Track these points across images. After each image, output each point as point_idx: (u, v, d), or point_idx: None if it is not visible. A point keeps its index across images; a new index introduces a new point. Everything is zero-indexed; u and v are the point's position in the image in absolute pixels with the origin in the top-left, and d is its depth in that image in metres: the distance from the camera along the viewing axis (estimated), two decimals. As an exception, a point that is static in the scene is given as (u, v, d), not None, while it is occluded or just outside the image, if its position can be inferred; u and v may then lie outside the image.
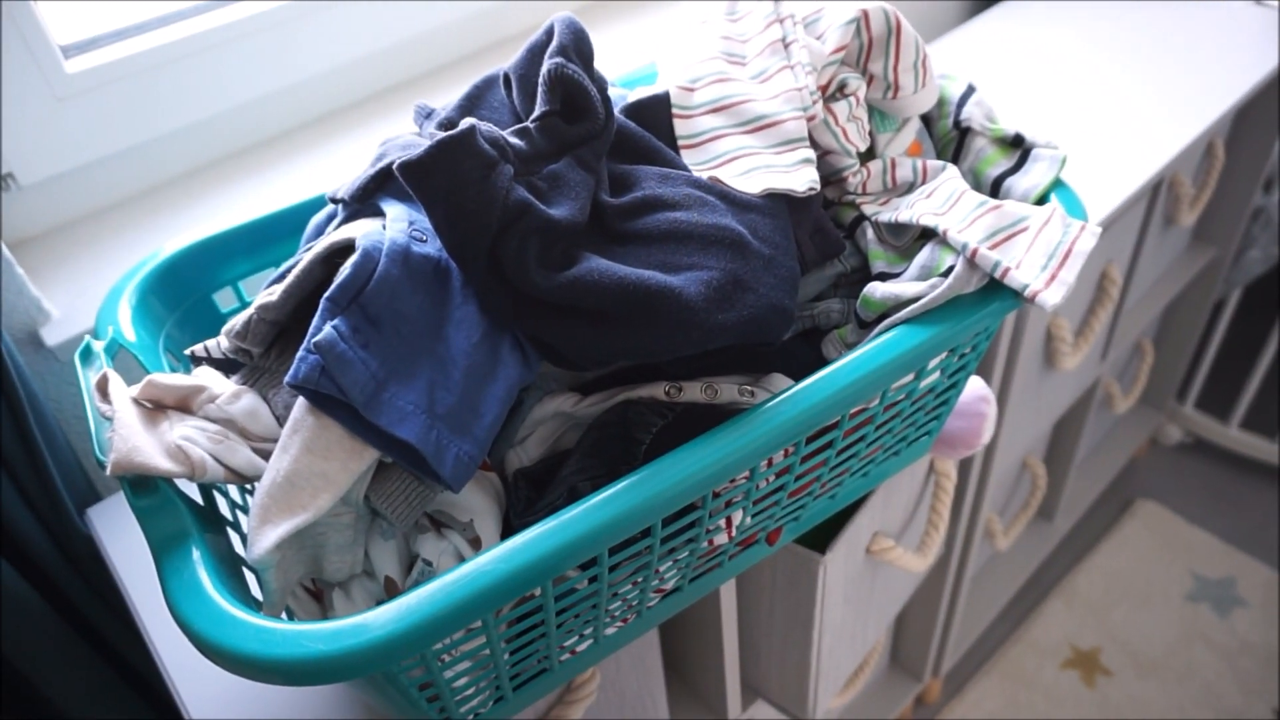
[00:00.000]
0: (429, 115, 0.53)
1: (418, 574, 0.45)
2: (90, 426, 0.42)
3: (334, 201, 0.52)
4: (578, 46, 0.47)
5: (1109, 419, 1.58)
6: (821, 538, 0.71)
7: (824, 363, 0.52)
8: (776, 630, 0.79)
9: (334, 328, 0.39)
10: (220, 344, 0.48)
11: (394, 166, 0.40)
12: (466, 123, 0.41)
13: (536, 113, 0.46)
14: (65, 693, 0.74)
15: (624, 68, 0.94)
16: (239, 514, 0.49)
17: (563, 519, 0.40)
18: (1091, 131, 1.02)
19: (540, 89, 0.46)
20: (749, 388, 0.48)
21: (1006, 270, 0.45)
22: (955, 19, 1.44)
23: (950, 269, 0.47)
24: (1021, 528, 1.35)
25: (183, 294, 0.59)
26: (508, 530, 0.48)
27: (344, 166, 0.86)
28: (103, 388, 0.42)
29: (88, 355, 0.47)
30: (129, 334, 0.51)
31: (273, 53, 0.87)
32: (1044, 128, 1.03)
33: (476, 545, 0.46)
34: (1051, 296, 0.44)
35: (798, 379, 0.50)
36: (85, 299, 0.75)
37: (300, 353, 0.39)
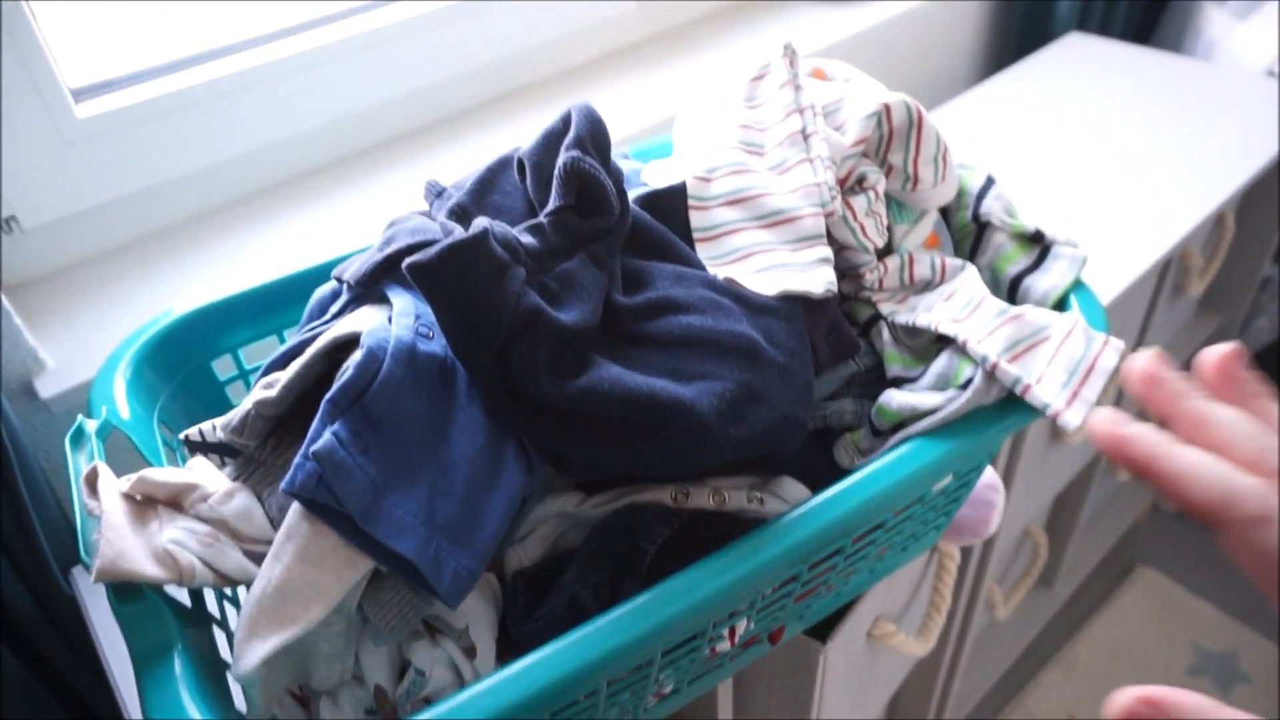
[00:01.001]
0: (439, 195, 0.52)
1: (409, 684, 0.44)
2: (77, 521, 0.40)
3: (339, 281, 0.51)
4: (595, 138, 0.46)
5: (1111, 484, 1.57)
6: (821, 624, 0.69)
7: (834, 466, 0.51)
8: (773, 714, 0.77)
9: (334, 434, 0.38)
10: (215, 429, 0.47)
11: (403, 265, 0.39)
12: (479, 224, 0.40)
13: (550, 206, 0.45)
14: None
15: (639, 122, 0.94)
16: (227, 606, 0.47)
17: (565, 645, 0.38)
18: (1102, 203, 1.01)
19: (555, 181, 0.44)
20: (758, 494, 0.46)
21: (1027, 387, 0.44)
22: (964, 82, 1.44)
23: (969, 381, 0.45)
24: (1021, 596, 1.33)
25: (181, 362, 0.57)
26: (504, 635, 0.46)
27: (350, 217, 0.85)
28: (92, 482, 0.40)
29: (79, 438, 0.45)
30: (123, 409, 0.50)
31: (281, 101, 0.86)
32: (1054, 198, 1.02)
33: (471, 654, 0.44)
34: (1073, 417, 0.43)
35: (807, 481, 0.49)
36: (83, 349, 0.73)
37: (297, 459, 0.38)
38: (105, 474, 0.41)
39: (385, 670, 0.44)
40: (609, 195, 0.45)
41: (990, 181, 0.57)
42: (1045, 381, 0.44)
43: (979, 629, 1.36)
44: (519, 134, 0.96)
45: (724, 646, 0.50)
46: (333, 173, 0.92)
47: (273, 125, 0.87)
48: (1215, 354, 0.29)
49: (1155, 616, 1.55)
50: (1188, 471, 0.25)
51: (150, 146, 0.81)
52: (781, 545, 0.41)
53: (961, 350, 0.46)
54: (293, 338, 0.52)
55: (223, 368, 0.60)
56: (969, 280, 0.50)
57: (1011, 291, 0.54)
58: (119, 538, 0.38)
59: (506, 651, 0.47)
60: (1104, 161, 1.07)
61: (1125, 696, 0.25)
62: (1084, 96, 1.19)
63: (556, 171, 0.44)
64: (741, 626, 0.49)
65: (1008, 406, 0.46)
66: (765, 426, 0.42)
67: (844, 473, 0.51)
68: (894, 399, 0.46)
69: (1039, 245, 0.54)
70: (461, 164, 0.92)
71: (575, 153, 0.44)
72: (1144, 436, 0.26)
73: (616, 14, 1.08)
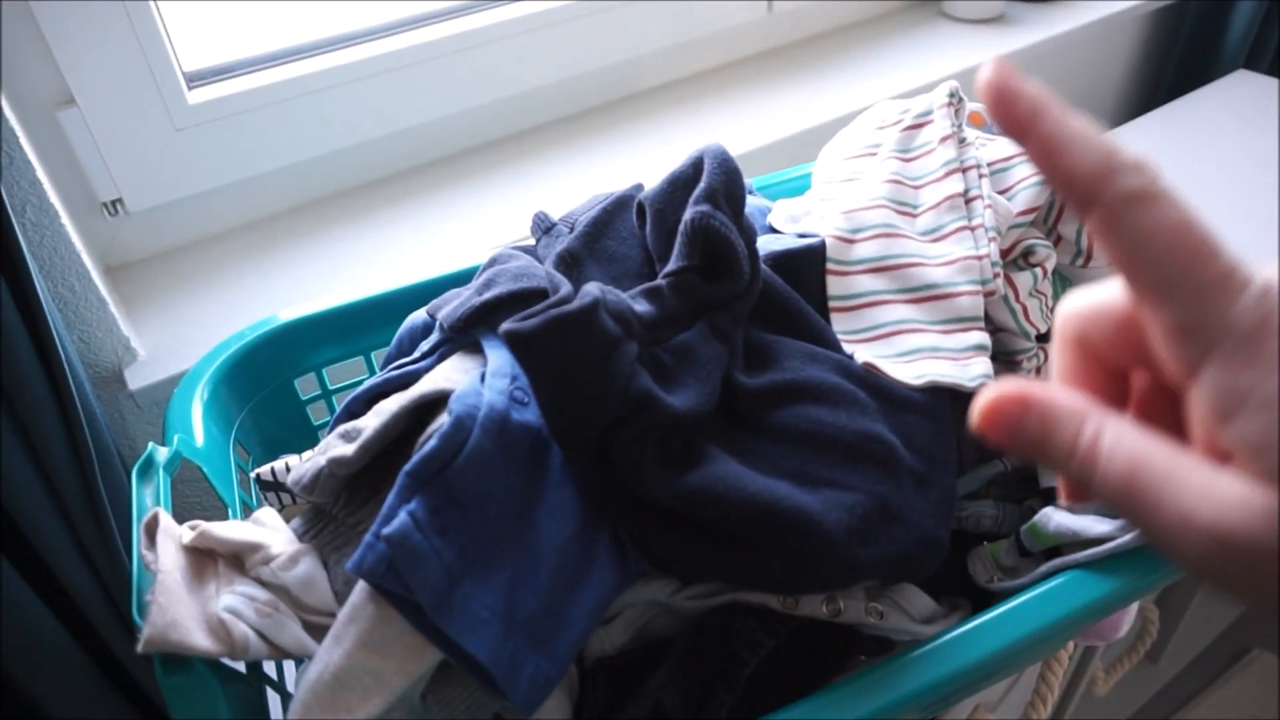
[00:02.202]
0: (548, 230, 0.48)
1: (470, 781, 0.39)
2: (132, 573, 0.37)
3: (432, 317, 0.47)
4: (728, 190, 0.40)
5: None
6: None
7: (965, 574, 0.45)
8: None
9: (409, 514, 0.34)
10: (288, 469, 0.43)
11: (500, 331, 0.35)
12: (589, 292, 0.35)
13: (671, 266, 0.39)
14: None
15: (760, 139, 0.88)
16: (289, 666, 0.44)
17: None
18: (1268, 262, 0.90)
19: (680, 238, 0.39)
20: (878, 606, 0.41)
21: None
22: (1112, 119, 1.33)
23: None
24: (1124, 672, 1.23)
25: (262, 381, 0.55)
26: (577, 728, 0.42)
27: (453, 223, 0.82)
28: (151, 531, 0.37)
29: (147, 470, 0.42)
30: (198, 435, 0.47)
31: (390, 96, 0.83)
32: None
33: (540, 754, 0.40)
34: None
35: (930, 589, 0.43)
36: (174, 341, 0.72)
37: (368, 538, 0.34)
38: (165, 524, 0.38)
39: (445, 761, 0.40)
40: (739, 258, 0.39)
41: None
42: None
43: (1075, 704, 1.27)
44: (633, 142, 0.91)
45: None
46: (438, 170, 0.89)
47: (379, 120, 0.84)
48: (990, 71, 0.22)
49: (1267, 702, 1.42)
50: (1072, 134, 0.21)
51: (257, 135, 0.79)
52: (915, 685, 0.35)
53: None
54: (381, 368, 0.48)
55: (306, 385, 0.57)
56: (1149, 382, 0.43)
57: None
58: (171, 604, 0.34)
59: (577, 747, 0.42)
60: (1270, 216, 0.96)
61: (994, 392, 0.21)
62: (1249, 142, 1.08)
63: (682, 227, 0.39)
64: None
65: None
66: (899, 549, 0.36)
67: (972, 584, 0.45)
68: (1052, 520, 0.40)
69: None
70: (571, 171, 0.87)
71: (705, 207, 0.38)
72: (1037, 93, 0.22)
73: (749, 20, 1.02)
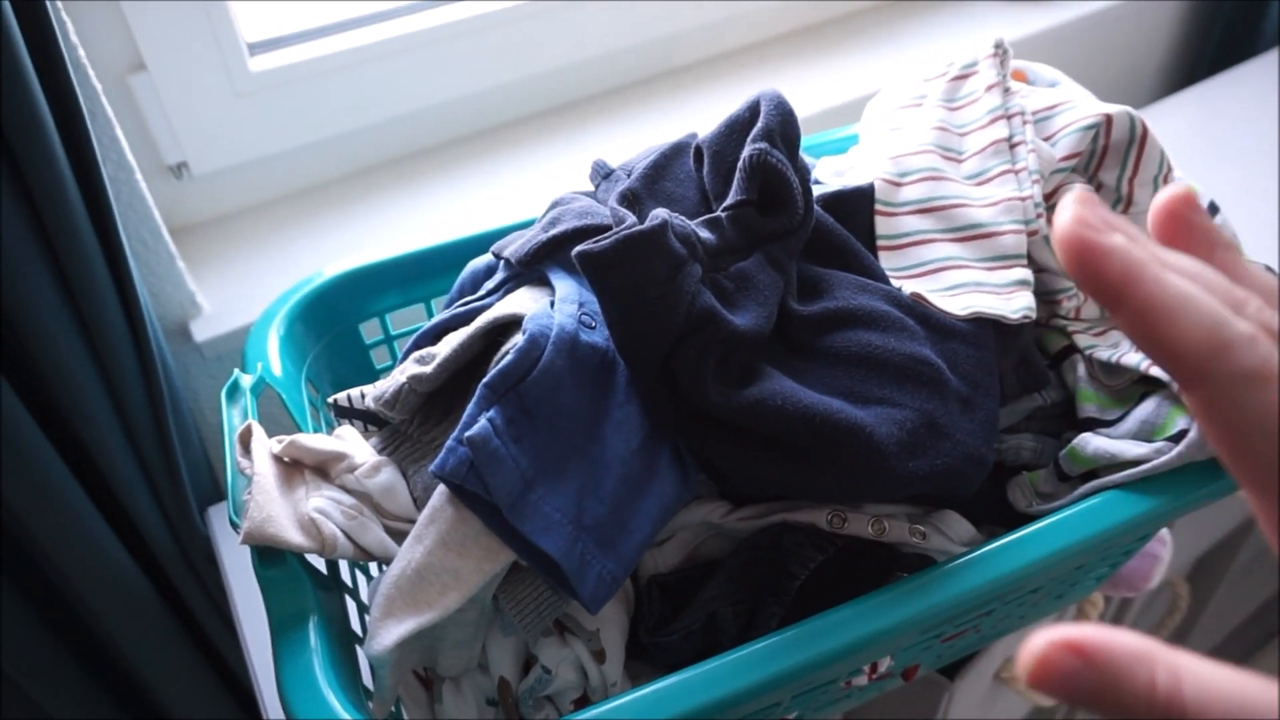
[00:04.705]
0: (607, 176, 0.50)
1: (534, 680, 0.42)
2: (228, 477, 0.40)
3: (497, 257, 0.49)
4: (784, 130, 0.42)
5: (1264, 542, 1.44)
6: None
7: (1004, 505, 0.47)
8: (886, 748, 0.73)
9: (489, 420, 0.36)
10: (364, 396, 0.46)
11: (573, 254, 0.37)
12: (658, 215, 0.37)
13: (730, 199, 0.42)
14: (165, 686, 0.75)
15: (801, 111, 0.90)
16: (358, 575, 0.47)
17: (708, 672, 0.35)
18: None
19: (738, 174, 0.41)
20: (920, 528, 0.43)
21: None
22: (1149, 94, 1.33)
23: (1181, 433, 0.40)
24: (1154, 650, 1.23)
25: (330, 322, 0.57)
26: (633, 639, 0.44)
27: (504, 188, 0.84)
28: (245, 441, 0.40)
29: (234, 392, 0.45)
30: (275, 367, 0.50)
31: (445, 65, 0.86)
32: (1251, 231, 0.93)
33: (600, 658, 0.42)
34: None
35: (971, 517, 0.45)
36: (236, 297, 0.75)
37: (450, 442, 0.36)
38: (259, 434, 0.40)
39: (511, 663, 0.43)
40: (794, 193, 0.41)
41: (1213, 209, 0.51)
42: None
43: (1102, 679, 1.28)
44: (676, 113, 0.93)
45: (860, 681, 0.47)
46: (490, 139, 0.92)
47: (435, 89, 0.87)
48: (1165, 197, 0.21)
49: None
50: (1178, 301, 0.18)
51: (317, 102, 0.82)
52: (954, 591, 0.37)
53: (1174, 398, 0.41)
54: (442, 310, 0.51)
55: (369, 331, 0.60)
56: (1185, 319, 0.45)
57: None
58: (268, 502, 0.37)
59: (633, 657, 0.45)
60: (1311, 191, 0.97)
61: (1043, 641, 0.18)
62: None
63: (740, 163, 0.41)
64: (884, 664, 0.46)
65: (1222, 467, 0.40)
66: (946, 463, 0.38)
67: (1012, 512, 0.47)
68: (1090, 443, 0.42)
69: (1267, 285, 0.48)
70: (619, 140, 0.90)
71: (763, 145, 0.41)
72: (1127, 249, 0.19)
73: (785, -3, 1.04)
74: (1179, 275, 0.19)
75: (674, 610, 0.43)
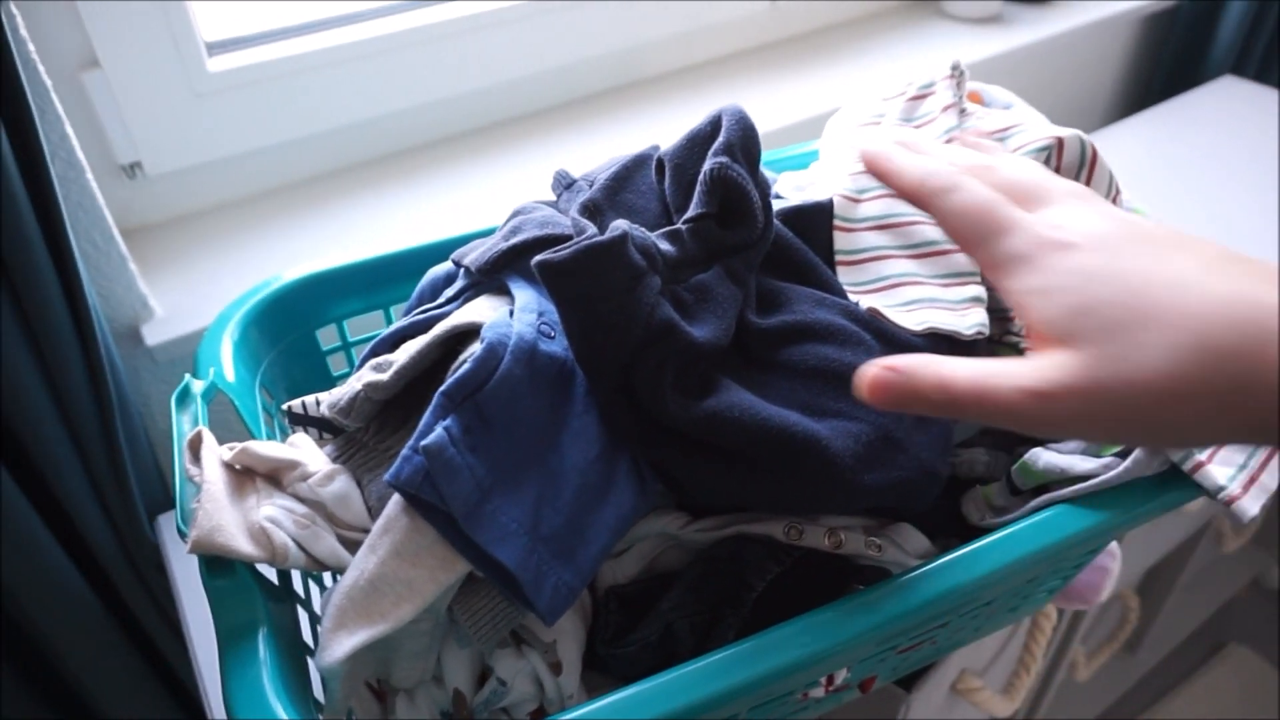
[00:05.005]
0: (569, 186, 0.50)
1: (490, 693, 0.42)
2: (175, 485, 0.39)
3: (458, 265, 0.49)
4: (745, 145, 0.43)
5: (1212, 553, 1.47)
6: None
7: (957, 518, 0.48)
8: (841, 759, 0.73)
9: (445, 429, 0.36)
10: (319, 403, 0.45)
11: (533, 263, 0.37)
12: (618, 226, 0.37)
13: (691, 213, 0.42)
14: (110, 696, 0.73)
15: (763, 126, 0.90)
16: (311, 585, 0.46)
17: (664, 684, 0.35)
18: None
19: (699, 187, 0.42)
20: (876, 541, 0.43)
21: (1199, 465, 0.39)
22: (1102, 118, 1.37)
23: (1127, 450, 0.41)
24: (1104, 659, 1.26)
25: (287, 328, 0.56)
26: (590, 652, 0.44)
27: (465, 196, 0.84)
28: (195, 447, 0.39)
29: (185, 398, 0.45)
30: (229, 373, 0.49)
31: (404, 72, 0.86)
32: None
33: (556, 670, 0.42)
34: (1250, 506, 0.38)
35: (925, 530, 0.46)
36: (190, 300, 0.74)
37: (405, 450, 0.36)
38: (208, 441, 0.40)
39: (466, 674, 0.42)
40: (754, 208, 0.42)
41: (1161, 229, 0.52)
42: (1219, 460, 0.40)
43: (1055, 689, 1.30)
44: (641, 125, 0.94)
45: (818, 693, 0.47)
46: (452, 147, 0.91)
47: (396, 95, 0.86)
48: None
49: (1242, 698, 1.45)
50: (901, 162, 0.34)
51: (275, 105, 0.81)
52: (909, 603, 0.38)
53: (1122, 414, 0.42)
54: (401, 318, 0.50)
55: (326, 337, 0.59)
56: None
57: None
58: (217, 510, 0.37)
59: (590, 668, 0.44)
60: (1253, 215, 1.00)
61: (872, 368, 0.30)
62: (1235, 145, 1.11)
63: (701, 177, 0.41)
64: (841, 675, 0.46)
65: (1169, 481, 0.41)
66: (901, 476, 0.39)
67: (966, 525, 0.48)
68: (1041, 458, 0.42)
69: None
70: (581, 151, 0.90)
71: (724, 159, 0.41)
72: (890, 147, 0.36)
73: (752, 12, 1.05)
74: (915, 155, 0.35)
75: (632, 621, 0.43)
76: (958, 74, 0.50)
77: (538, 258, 0.37)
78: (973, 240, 0.32)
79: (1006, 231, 0.31)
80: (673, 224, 0.44)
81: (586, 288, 0.37)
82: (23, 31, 0.58)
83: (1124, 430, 0.29)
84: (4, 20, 0.51)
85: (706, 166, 0.41)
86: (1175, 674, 1.50)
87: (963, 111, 0.49)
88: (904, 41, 1.11)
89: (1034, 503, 0.42)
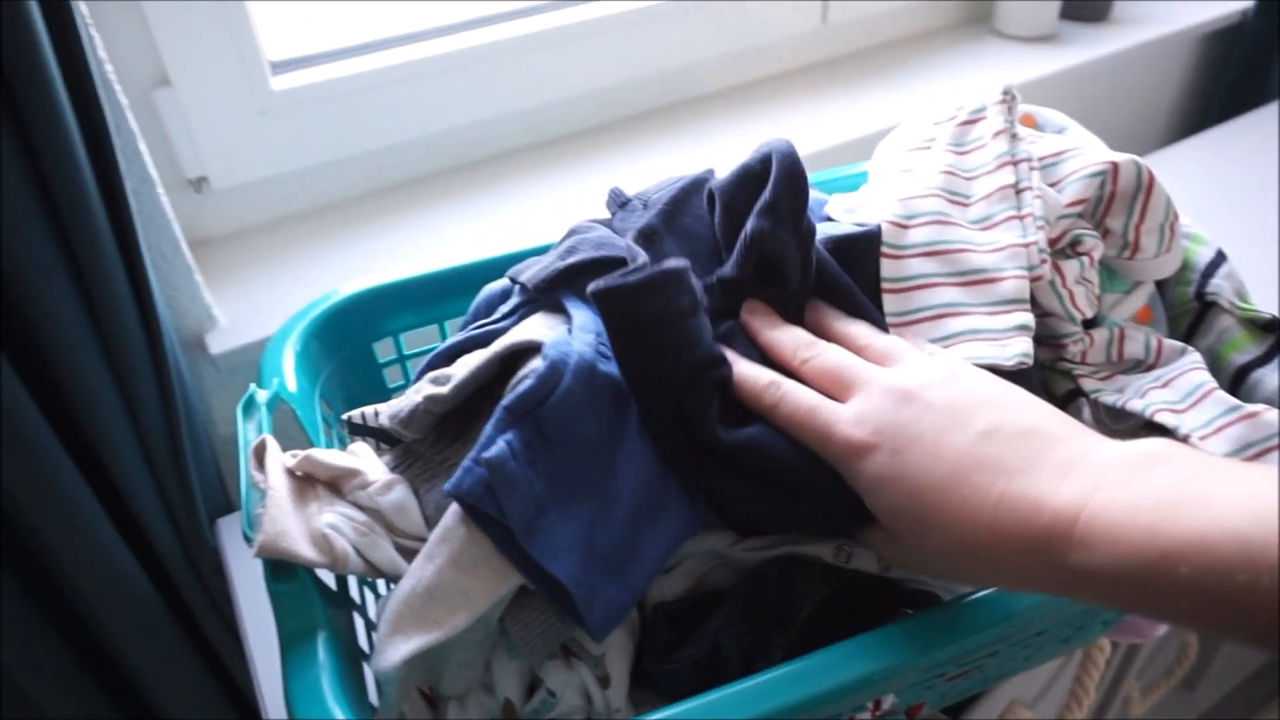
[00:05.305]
0: (623, 205, 0.51)
1: (539, 703, 0.42)
2: (241, 490, 0.41)
3: (513, 281, 0.50)
4: (791, 200, 0.43)
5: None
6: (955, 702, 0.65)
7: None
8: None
9: (506, 442, 0.37)
10: (377, 414, 0.47)
11: (590, 290, 0.38)
12: (678, 262, 0.38)
13: (728, 271, 0.43)
14: (167, 695, 0.75)
15: (817, 144, 0.91)
16: (367, 593, 0.47)
17: (713, 703, 0.36)
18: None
19: (739, 246, 0.43)
20: (925, 564, 0.43)
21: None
22: (1157, 140, 1.35)
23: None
24: (1160, 696, 1.22)
25: (345, 341, 0.58)
26: (637, 667, 0.45)
27: (520, 212, 0.86)
28: (260, 455, 0.41)
29: (250, 407, 0.46)
30: (290, 383, 0.51)
31: (465, 89, 0.88)
32: (1254, 279, 0.93)
33: (605, 683, 0.43)
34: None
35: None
36: (252, 311, 0.76)
37: (466, 462, 0.37)
38: (273, 448, 0.41)
39: (515, 684, 0.43)
40: (790, 270, 0.43)
41: (1221, 258, 0.52)
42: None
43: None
44: (693, 143, 0.95)
45: (864, 718, 0.47)
46: (504, 164, 0.93)
47: (453, 113, 0.88)
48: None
49: (1301, 740, 1.40)
50: (741, 377, 0.41)
51: (337, 122, 0.83)
52: (961, 631, 0.38)
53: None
54: (456, 333, 0.51)
55: (382, 350, 0.61)
56: (1192, 367, 0.45)
57: (1235, 383, 0.48)
58: (281, 516, 0.38)
59: (638, 684, 0.45)
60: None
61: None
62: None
63: (743, 237, 0.42)
64: (888, 701, 0.46)
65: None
66: None
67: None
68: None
69: (1273, 335, 0.48)
70: (633, 169, 0.91)
71: (765, 223, 0.42)
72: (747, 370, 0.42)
73: (804, 31, 1.05)
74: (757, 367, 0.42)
75: (679, 638, 0.44)
76: (1008, 99, 0.50)
77: (593, 285, 0.38)
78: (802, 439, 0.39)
79: (829, 434, 0.38)
80: (722, 260, 0.45)
81: (646, 316, 0.38)
82: (101, 53, 0.61)
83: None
84: (85, 41, 0.54)
85: (749, 228, 0.42)
86: (1234, 714, 1.45)
87: (1014, 136, 0.49)
88: (956, 60, 1.10)
89: (1087, 531, 0.42)
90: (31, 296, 0.55)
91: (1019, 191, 0.47)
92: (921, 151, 0.53)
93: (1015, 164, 0.48)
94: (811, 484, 0.39)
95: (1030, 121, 0.55)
